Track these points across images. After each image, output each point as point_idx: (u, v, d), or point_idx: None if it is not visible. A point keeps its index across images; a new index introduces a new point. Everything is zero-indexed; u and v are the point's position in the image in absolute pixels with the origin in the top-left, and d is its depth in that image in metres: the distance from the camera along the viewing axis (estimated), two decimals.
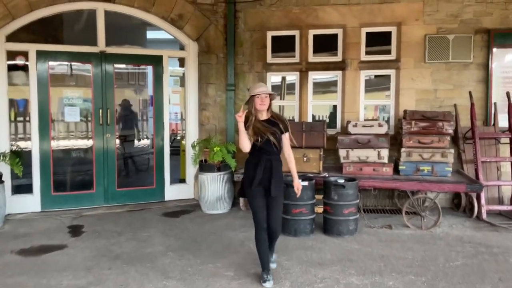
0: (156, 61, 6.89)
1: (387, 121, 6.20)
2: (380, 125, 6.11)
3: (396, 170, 6.03)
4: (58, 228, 5.67)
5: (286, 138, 3.89)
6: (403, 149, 5.99)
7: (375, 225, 5.68)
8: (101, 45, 6.52)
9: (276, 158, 3.85)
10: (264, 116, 3.80)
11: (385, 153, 6.02)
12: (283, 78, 7.33)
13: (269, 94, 3.78)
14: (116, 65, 6.70)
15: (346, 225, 5.22)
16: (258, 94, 3.71)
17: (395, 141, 6.29)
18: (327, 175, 5.78)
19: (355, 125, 6.14)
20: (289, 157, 3.98)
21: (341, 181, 5.34)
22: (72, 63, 7.07)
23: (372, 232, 5.43)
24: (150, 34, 9.09)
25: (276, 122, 3.81)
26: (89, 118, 6.71)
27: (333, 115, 7.11)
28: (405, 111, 6.17)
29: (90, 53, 6.50)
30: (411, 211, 5.95)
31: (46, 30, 6.82)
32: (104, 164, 6.64)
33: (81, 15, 7.09)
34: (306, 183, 5.22)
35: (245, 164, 3.95)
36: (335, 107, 7.01)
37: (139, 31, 8.20)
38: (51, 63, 6.37)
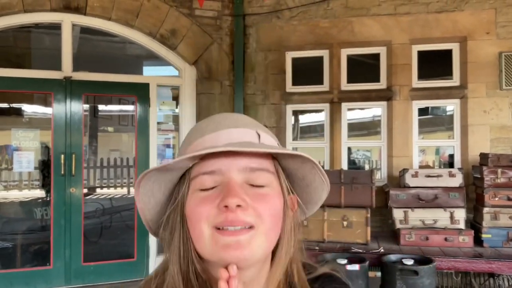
0: (141, 91, 5.24)
1: (460, 169, 4.44)
2: (451, 175, 4.31)
3: (477, 240, 4.19)
4: None
5: None
6: (486, 209, 4.18)
7: None
8: (66, 69, 4.91)
9: None
10: None
11: (460, 215, 4.21)
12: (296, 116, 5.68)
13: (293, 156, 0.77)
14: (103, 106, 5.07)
15: None
16: (204, 172, 0.75)
17: (466, 197, 4.51)
18: (382, 250, 3.95)
19: (415, 175, 4.36)
20: None
21: (409, 262, 3.51)
22: (27, 93, 5.42)
23: None
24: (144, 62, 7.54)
25: None
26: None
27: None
28: (484, 156, 4.40)
29: (50, 79, 4.86)
30: None
31: None
32: (66, 229, 4.85)
33: (45, 33, 5.52)
34: (356, 266, 3.41)
35: None
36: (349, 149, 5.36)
37: (125, 56, 6.63)
38: None
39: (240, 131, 0.77)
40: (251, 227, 0.71)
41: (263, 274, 0.78)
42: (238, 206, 0.70)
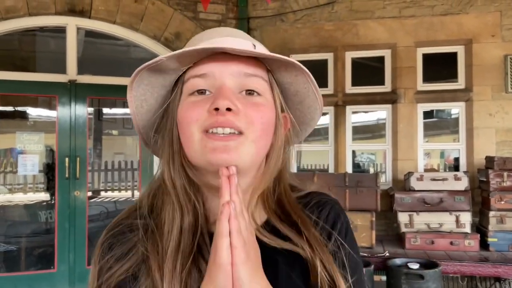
0: None
1: (466, 172, 4.42)
2: (457, 178, 4.29)
3: (483, 244, 4.16)
4: None
5: None
6: (492, 213, 4.16)
7: None
8: (71, 73, 4.91)
9: None
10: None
11: (466, 218, 4.18)
12: None
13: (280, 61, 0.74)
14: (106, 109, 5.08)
15: None
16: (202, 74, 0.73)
17: (472, 201, 4.48)
18: (387, 254, 3.92)
19: (420, 178, 4.33)
20: None
21: (415, 266, 3.49)
22: (32, 97, 5.44)
23: None
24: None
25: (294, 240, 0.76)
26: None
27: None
28: (490, 159, 4.37)
29: (55, 83, 4.87)
30: None
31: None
32: (70, 232, 4.85)
33: (49, 36, 5.54)
34: None
35: None
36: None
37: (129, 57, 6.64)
38: None
39: (237, 40, 0.74)
40: (240, 133, 0.70)
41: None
42: (229, 110, 0.69)
